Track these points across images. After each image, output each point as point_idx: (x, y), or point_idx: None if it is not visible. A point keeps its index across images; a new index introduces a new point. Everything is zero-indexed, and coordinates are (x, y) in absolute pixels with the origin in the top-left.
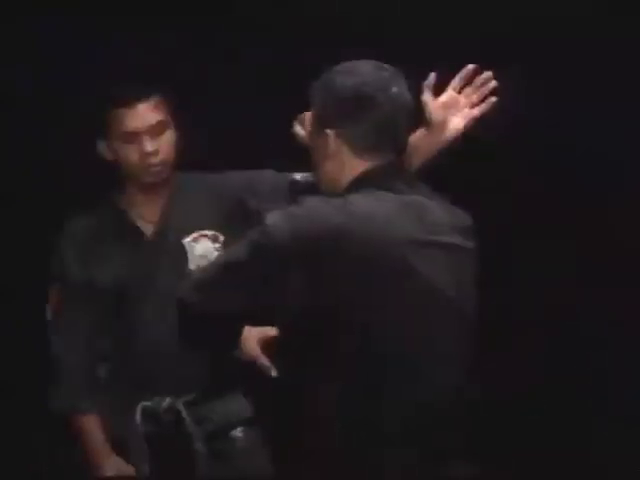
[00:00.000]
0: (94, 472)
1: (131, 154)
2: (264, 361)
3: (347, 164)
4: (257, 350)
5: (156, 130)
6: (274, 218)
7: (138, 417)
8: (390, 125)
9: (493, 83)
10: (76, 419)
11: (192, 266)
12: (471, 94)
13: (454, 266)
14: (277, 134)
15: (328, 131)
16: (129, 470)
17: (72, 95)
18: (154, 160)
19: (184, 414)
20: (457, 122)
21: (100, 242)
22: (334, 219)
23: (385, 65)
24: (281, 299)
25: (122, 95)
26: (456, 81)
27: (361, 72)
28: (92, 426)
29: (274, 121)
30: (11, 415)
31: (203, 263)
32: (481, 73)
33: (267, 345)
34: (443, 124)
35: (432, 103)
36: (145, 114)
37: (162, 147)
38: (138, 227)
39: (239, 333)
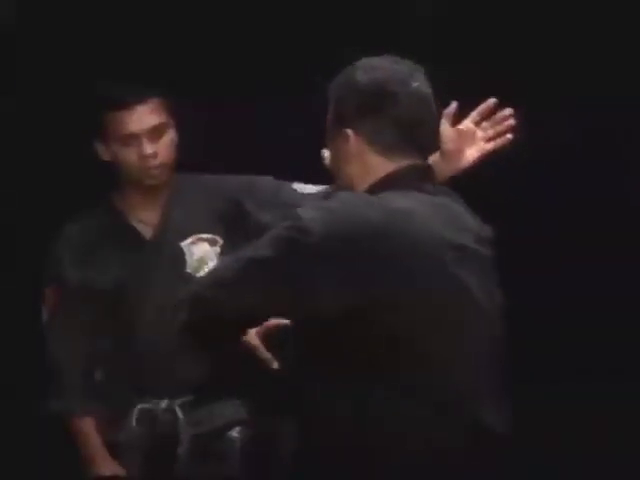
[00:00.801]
0: (90, 473)
1: (130, 156)
2: (264, 352)
3: (371, 165)
4: (256, 340)
5: (155, 132)
6: (308, 213)
7: (134, 419)
8: (412, 121)
9: (512, 121)
10: (74, 421)
11: (189, 269)
12: (488, 128)
13: (483, 273)
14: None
15: (348, 130)
16: (124, 472)
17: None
18: (153, 162)
19: (180, 414)
20: (470, 154)
21: (98, 244)
22: (372, 216)
23: (404, 60)
24: (309, 298)
25: (121, 97)
26: (476, 113)
27: (381, 67)
28: (89, 428)
29: (277, 123)
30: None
31: (201, 266)
32: (502, 109)
33: (267, 336)
34: (456, 153)
35: (448, 131)
36: (144, 116)
37: (161, 149)
38: (137, 229)
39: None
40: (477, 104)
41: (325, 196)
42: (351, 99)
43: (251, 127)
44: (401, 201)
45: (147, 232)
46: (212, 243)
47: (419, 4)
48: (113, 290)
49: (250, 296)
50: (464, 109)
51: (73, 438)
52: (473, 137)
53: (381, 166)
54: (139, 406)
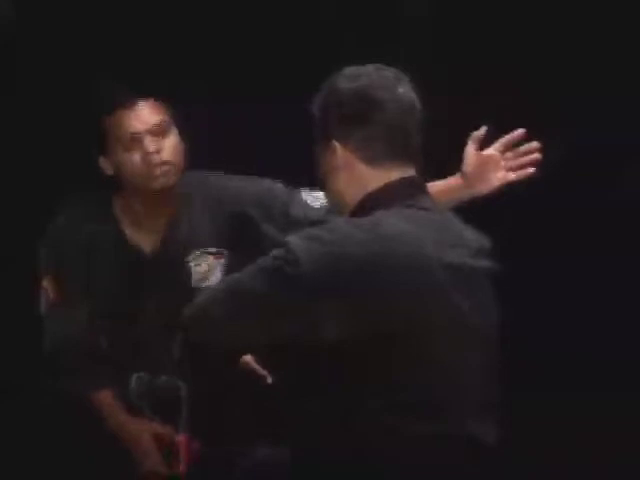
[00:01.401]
0: (127, 442)
1: (134, 160)
2: (258, 369)
3: (360, 177)
4: (250, 357)
5: (158, 131)
6: (299, 244)
7: (133, 385)
8: (399, 129)
9: (537, 155)
10: (94, 397)
11: (195, 283)
12: (513, 158)
13: (478, 289)
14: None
15: (334, 142)
16: (158, 427)
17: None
18: (158, 159)
19: (183, 393)
20: (491, 181)
21: (98, 253)
22: (366, 245)
23: (387, 67)
24: (302, 332)
25: (120, 95)
26: (502, 142)
27: (364, 75)
28: (111, 399)
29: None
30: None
31: (206, 279)
32: (529, 140)
33: (260, 354)
34: (477, 178)
35: (472, 155)
36: (146, 114)
37: (165, 148)
38: (138, 246)
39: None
40: (477, 104)
41: (319, 222)
42: (336, 110)
43: (251, 130)
44: (390, 222)
45: (149, 246)
46: (218, 256)
47: (417, 4)
48: (112, 303)
49: (243, 329)
50: (464, 109)
51: (96, 412)
52: (497, 164)
53: (370, 177)
54: (137, 375)
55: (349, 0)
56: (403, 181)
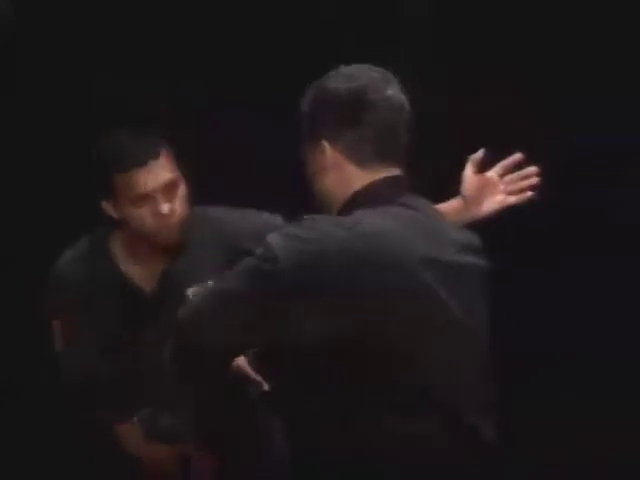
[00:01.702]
0: (148, 466)
1: (145, 218)
2: (254, 375)
3: (348, 177)
4: (244, 363)
5: (170, 188)
6: (277, 242)
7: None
8: (389, 129)
9: (536, 179)
10: (120, 427)
11: None
12: (511, 182)
13: (465, 286)
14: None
15: (324, 142)
16: (176, 448)
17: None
18: (171, 221)
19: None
20: (490, 204)
21: (99, 294)
22: (346, 243)
23: (376, 67)
24: (286, 330)
25: (132, 156)
26: (501, 165)
27: (353, 75)
28: (129, 429)
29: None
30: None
31: None
32: (528, 165)
33: (255, 359)
34: (476, 201)
35: (471, 178)
36: (158, 173)
37: (177, 206)
38: (138, 284)
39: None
40: (477, 104)
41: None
42: (326, 110)
43: (251, 130)
44: (373, 221)
45: (149, 283)
46: None
47: (417, 4)
48: (114, 343)
49: (228, 330)
50: (464, 109)
51: (119, 442)
52: (495, 188)
53: (358, 178)
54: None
55: (349, 0)
56: (388, 180)
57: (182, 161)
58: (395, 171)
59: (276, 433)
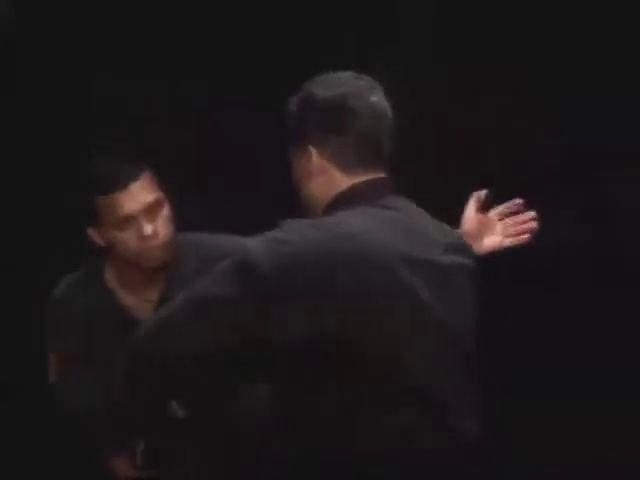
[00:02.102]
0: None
1: (129, 241)
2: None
3: (333, 181)
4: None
5: (152, 210)
6: (256, 246)
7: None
8: (373, 136)
9: (534, 224)
10: (117, 459)
11: None
12: (509, 226)
13: (450, 286)
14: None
15: (310, 148)
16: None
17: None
18: (155, 243)
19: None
20: (487, 243)
21: (96, 326)
22: (324, 244)
23: (361, 75)
24: (267, 334)
25: (113, 178)
26: (501, 209)
27: (339, 82)
28: (125, 464)
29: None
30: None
31: None
32: (526, 210)
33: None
34: (474, 238)
35: (471, 215)
36: (139, 194)
37: (161, 227)
38: (133, 314)
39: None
40: (477, 104)
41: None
42: (312, 117)
43: (250, 130)
44: (352, 222)
45: (145, 312)
46: None
47: (417, 4)
48: (110, 373)
49: (205, 335)
50: (464, 109)
51: (113, 473)
52: (493, 228)
53: (343, 182)
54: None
55: (349, 0)
56: (369, 182)
57: (166, 181)
58: (378, 174)
59: (269, 431)
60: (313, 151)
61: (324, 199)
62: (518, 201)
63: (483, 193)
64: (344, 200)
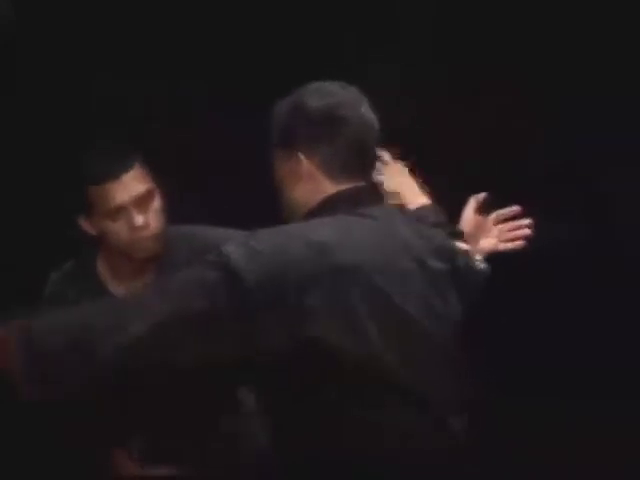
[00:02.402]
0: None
1: (120, 230)
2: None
3: (319, 188)
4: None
5: (143, 201)
6: (234, 252)
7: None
8: (361, 144)
9: (528, 231)
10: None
11: None
12: (505, 231)
13: (427, 289)
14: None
15: (300, 154)
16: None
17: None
18: (146, 233)
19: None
20: (483, 246)
21: None
22: (302, 252)
23: (347, 86)
24: (253, 343)
25: (105, 168)
26: (499, 214)
27: (330, 93)
28: (121, 456)
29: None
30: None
31: None
32: (523, 217)
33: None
34: (474, 239)
35: (470, 215)
36: (130, 185)
37: (152, 218)
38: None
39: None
40: (477, 104)
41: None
42: (303, 125)
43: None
44: (326, 230)
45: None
46: None
47: (417, 4)
48: None
49: (193, 348)
50: (464, 109)
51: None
52: (489, 231)
53: (328, 189)
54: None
55: (349, 0)
56: (350, 190)
57: (159, 174)
58: (361, 182)
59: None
60: (303, 158)
61: (307, 204)
62: (515, 208)
63: (482, 196)
64: (326, 207)
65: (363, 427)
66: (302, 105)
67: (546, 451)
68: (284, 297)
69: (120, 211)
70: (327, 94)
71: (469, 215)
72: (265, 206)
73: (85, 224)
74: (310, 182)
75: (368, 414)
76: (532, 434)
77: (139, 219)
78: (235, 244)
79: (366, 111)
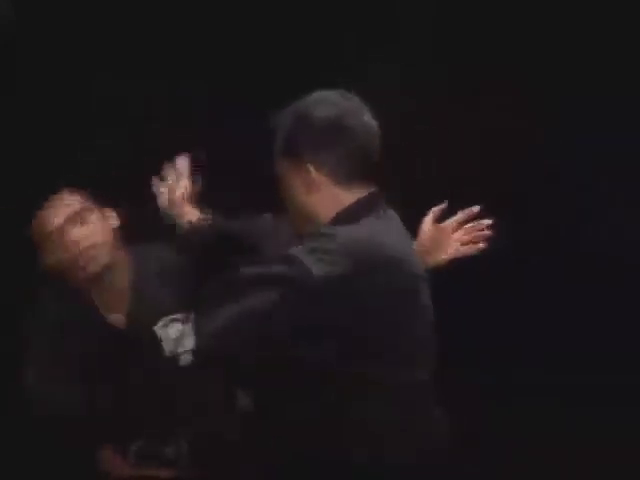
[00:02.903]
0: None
1: (60, 252)
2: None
3: (331, 196)
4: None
5: (76, 220)
6: (307, 260)
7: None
8: (365, 152)
9: (488, 232)
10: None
11: (168, 352)
12: (465, 234)
13: (425, 290)
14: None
15: (309, 165)
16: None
17: None
18: (83, 245)
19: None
20: (447, 252)
21: (71, 333)
22: (362, 254)
23: (348, 94)
24: (315, 337)
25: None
26: (459, 217)
27: (334, 102)
28: (113, 456)
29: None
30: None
31: (180, 345)
32: (482, 218)
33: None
34: (434, 248)
35: (428, 227)
36: (59, 209)
37: (87, 234)
38: (107, 322)
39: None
40: (477, 104)
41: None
42: (310, 135)
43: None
44: (377, 231)
45: (118, 320)
46: (185, 321)
47: (417, 4)
48: (95, 378)
49: (261, 345)
50: (464, 109)
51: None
52: (449, 237)
53: (341, 196)
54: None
55: (349, 0)
56: (368, 197)
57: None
58: (372, 187)
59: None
60: (312, 168)
61: (325, 212)
62: (475, 209)
63: (441, 207)
64: (351, 213)
65: (363, 427)
66: (307, 115)
67: (547, 451)
68: (349, 295)
69: (55, 233)
70: (331, 104)
71: (427, 226)
72: (265, 206)
73: (44, 263)
74: (323, 191)
75: (368, 414)
76: (532, 434)
77: (72, 235)
78: (304, 250)
79: (369, 119)
